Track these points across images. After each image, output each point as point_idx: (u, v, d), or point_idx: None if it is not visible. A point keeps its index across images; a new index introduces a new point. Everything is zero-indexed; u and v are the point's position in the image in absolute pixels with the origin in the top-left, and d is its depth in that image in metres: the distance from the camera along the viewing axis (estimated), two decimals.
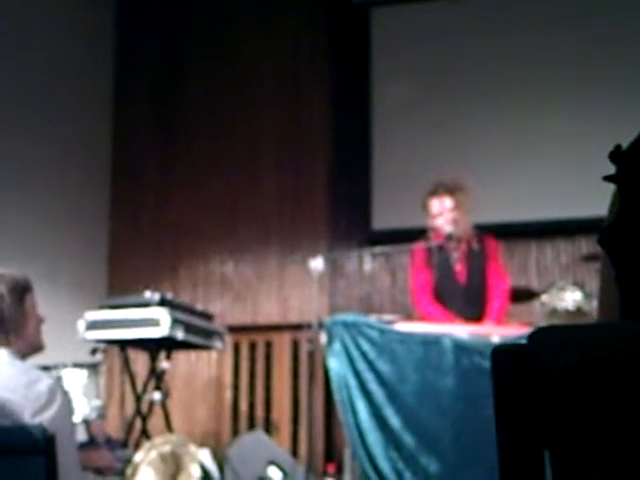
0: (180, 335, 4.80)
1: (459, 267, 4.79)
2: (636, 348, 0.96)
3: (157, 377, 5.07)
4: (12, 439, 2.01)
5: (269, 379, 6.30)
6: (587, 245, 5.79)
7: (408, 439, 4.24)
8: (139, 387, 5.11)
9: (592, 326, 1.05)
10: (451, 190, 4.71)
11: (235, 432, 6.20)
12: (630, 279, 1.11)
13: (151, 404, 5.07)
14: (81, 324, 4.85)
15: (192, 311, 5.12)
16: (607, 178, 1.14)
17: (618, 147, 1.14)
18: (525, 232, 6.10)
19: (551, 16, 6.23)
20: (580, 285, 5.03)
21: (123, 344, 5.05)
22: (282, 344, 6.31)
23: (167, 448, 4.34)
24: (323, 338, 4.47)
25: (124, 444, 4.78)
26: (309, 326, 4.60)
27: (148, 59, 6.95)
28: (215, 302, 6.37)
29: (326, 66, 6.58)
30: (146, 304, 4.81)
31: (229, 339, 5.75)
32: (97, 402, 4.49)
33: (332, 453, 5.80)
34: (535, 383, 0.98)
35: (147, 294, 4.90)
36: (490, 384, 1.03)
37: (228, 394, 6.37)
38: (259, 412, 6.25)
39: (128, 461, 4.27)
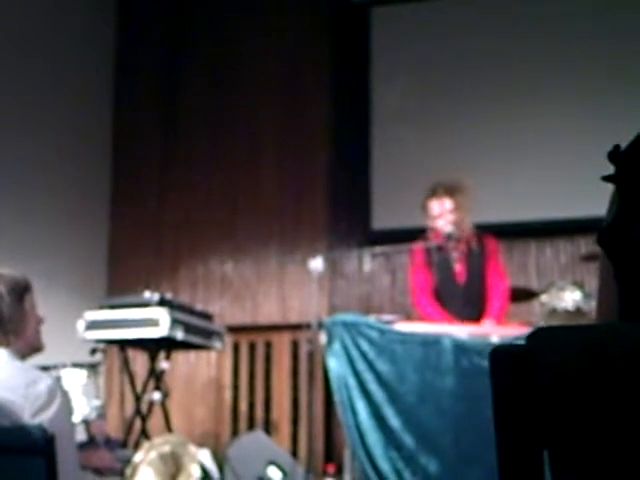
0: (180, 335, 4.80)
1: (459, 267, 4.78)
2: (635, 349, 0.96)
3: (157, 377, 5.07)
4: (12, 439, 2.01)
5: (269, 379, 6.30)
6: (586, 245, 5.79)
7: (408, 439, 4.24)
8: (139, 387, 5.11)
9: (591, 327, 1.05)
10: (450, 191, 4.70)
11: (235, 432, 6.20)
12: (629, 279, 1.11)
13: (151, 404, 5.07)
14: (81, 324, 4.85)
15: (192, 311, 5.12)
16: (606, 178, 1.14)
17: (617, 147, 1.14)
18: (525, 232, 6.10)
19: (551, 16, 6.23)
20: (579, 285, 5.03)
21: (123, 344, 5.05)
22: (282, 344, 6.31)
23: (167, 448, 4.34)
24: (323, 338, 4.47)
25: (124, 444, 4.78)
26: (309, 326, 4.60)
27: (149, 59, 6.95)
28: (215, 302, 6.37)
29: (326, 66, 6.58)
30: (146, 304, 4.81)
31: (229, 339, 5.75)
32: (97, 402, 4.49)
33: (332, 453, 5.80)
34: (533, 384, 0.98)
35: (147, 294, 4.90)
36: (489, 384, 1.03)
37: (228, 394, 6.37)
38: (259, 412, 6.25)
39: (128, 461, 4.27)
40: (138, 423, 4.99)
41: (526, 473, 0.99)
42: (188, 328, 4.90)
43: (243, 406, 6.30)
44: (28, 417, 2.23)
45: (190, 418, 6.29)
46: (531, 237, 6.15)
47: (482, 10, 6.43)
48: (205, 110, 6.73)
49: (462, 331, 4.40)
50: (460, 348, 4.28)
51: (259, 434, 5.51)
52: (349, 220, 6.47)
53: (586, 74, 6.08)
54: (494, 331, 4.41)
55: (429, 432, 4.23)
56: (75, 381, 4.41)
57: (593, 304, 4.84)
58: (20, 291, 2.49)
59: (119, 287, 6.44)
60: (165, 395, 5.07)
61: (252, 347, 6.38)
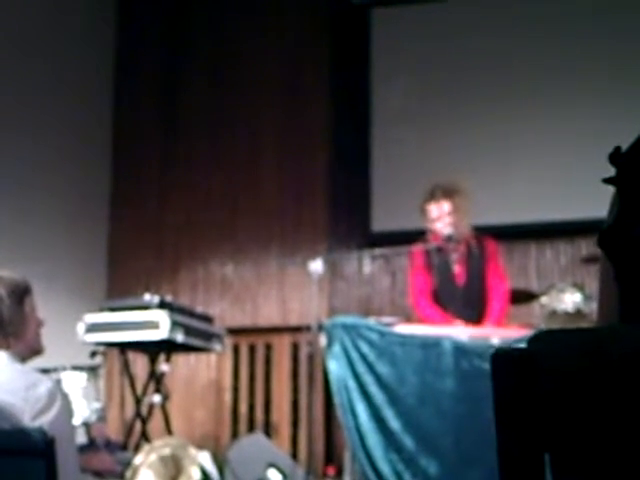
0: (180, 337, 4.80)
1: (458, 269, 4.78)
2: (636, 351, 0.96)
3: (157, 380, 5.07)
4: (12, 442, 2.01)
5: (269, 381, 6.29)
6: (587, 247, 5.79)
7: (408, 441, 4.24)
8: (139, 390, 5.10)
9: (591, 330, 1.05)
10: (449, 194, 4.69)
11: (235, 434, 6.19)
12: (629, 280, 1.11)
13: (151, 407, 5.07)
14: (81, 327, 4.85)
15: (192, 313, 5.12)
16: (607, 180, 1.14)
17: (617, 149, 1.14)
18: (525, 234, 6.10)
19: (551, 17, 6.23)
20: (580, 287, 5.03)
21: (123, 347, 5.05)
22: (282, 346, 6.31)
23: (167, 451, 4.34)
24: (323, 340, 4.47)
25: (124, 447, 4.78)
26: (309, 328, 4.59)
27: (149, 59, 6.95)
28: (215, 304, 6.37)
29: (326, 67, 6.58)
30: (146, 306, 4.81)
31: (229, 341, 5.74)
32: (97, 405, 4.49)
33: (332, 455, 5.80)
34: (535, 387, 0.98)
35: (147, 296, 4.90)
36: (490, 386, 1.03)
37: (228, 396, 6.36)
38: (259, 414, 6.25)
39: (128, 464, 4.27)
40: (138, 426, 4.99)
41: (527, 476, 0.99)
42: (188, 330, 4.89)
43: (243, 408, 6.30)
44: (28, 420, 2.22)
45: (190, 420, 6.28)
46: (531, 239, 6.14)
47: (482, 11, 6.43)
48: (205, 110, 6.72)
49: (462, 333, 4.40)
50: (460, 350, 4.27)
51: (259, 436, 5.50)
52: (349, 222, 6.46)
53: (586, 75, 6.08)
54: (494, 333, 4.40)
55: (429, 434, 4.23)
56: (75, 384, 4.41)
57: (593, 306, 4.84)
58: (20, 293, 2.49)
59: (119, 289, 6.44)
60: (165, 397, 5.06)
61: (252, 349, 6.38)
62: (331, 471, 5.01)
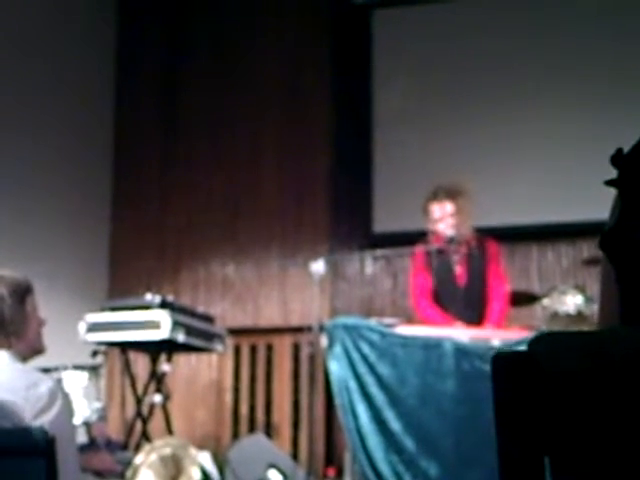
0: (181, 338, 4.80)
1: (459, 270, 4.78)
2: (637, 354, 0.96)
3: (158, 380, 5.07)
4: (13, 441, 2.01)
5: (270, 382, 6.29)
6: (588, 249, 5.79)
7: (408, 442, 4.24)
8: (140, 389, 5.10)
9: (592, 332, 1.05)
10: (452, 195, 4.69)
11: (235, 435, 6.19)
12: (630, 282, 1.10)
13: (152, 406, 5.07)
14: (82, 326, 4.85)
15: (193, 314, 5.12)
16: (608, 183, 1.14)
17: (619, 151, 1.14)
18: (526, 235, 6.09)
19: (553, 19, 6.23)
20: (581, 289, 5.03)
21: (124, 346, 5.05)
22: (283, 347, 6.31)
23: (167, 451, 4.34)
24: (324, 341, 4.47)
25: (124, 446, 4.78)
26: (310, 329, 4.59)
27: (149, 59, 6.95)
28: (216, 304, 6.37)
29: (328, 68, 6.58)
30: (147, 306, 4.81)
31: (230, 342, 5.74)
32: (98, 404, 4.49)
33: (332, 456, 5.80)
34: (535, 390, 0.98)
35: (148, 296, 4.90)
36: (490, 388, 1.03)
37: (229, 397, 6.36)
38: (259, 415, 6.25)
39: (128, 463, 4.27)
40: (139, 425, 4.99)
41: (527, 479, 0.99)
42: (189, 330, 4.89)
43: (244, 409, 6.30)
44: (29, 419, 2.23)
45: (191, 420, 6.28)
46: (533, 241, 6.14)
47: (484, 13, 6.43)
48: (206, 111, 6.73)
49: (463, 335, 4.40)
50: (461, 352, 4.27)
51: (260, 437, 5.50)
52: (350, 223, 6.46)
53: (588, 77, 6.07)
54: (495, 335, 4.40)
55: (430, 435, 4.23)
56: (76, 383, 4.41)
57: (595, 308, 4.84)
58: (21, 293, 2.49)
59: (120, 289, 6.44)
60: (166, 397, 5.06)
61: (253, 350, 6.38)
62: (331, 472, 5.01)
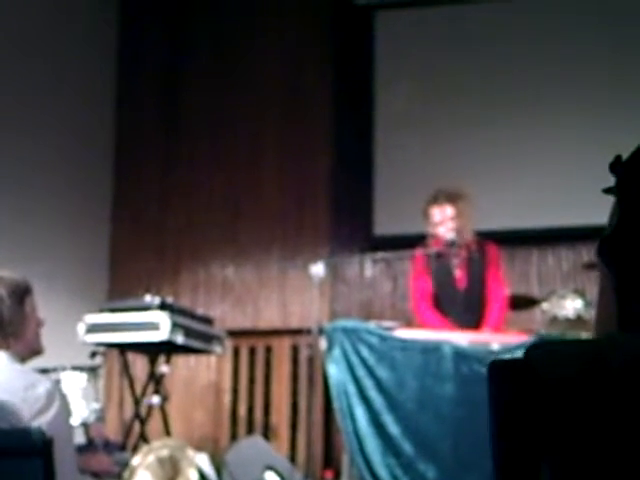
0: (180, 339, 4.80)
1: (459, 273, 4.78)
2: (634, 361, 0.95)
3: (156, 381, 5.07)
4: (10, 442, 2.01)
5: (268, 384, 6.29)
6: (588, 253, 5.78)
7: (406, 446, 4.23)
8: (138, 391, 5.10)
9: (589, 340, 1.04)
10: (452, 198, 4.70)
11: (233, 437, 6.19)
12: (629, 291, 1.10)
13: (150, 408, 5.07)
14: (81, 327, 4.85)
15: (192, 315, 5.12)
16: (607, 190, 1.14)
17: (618, 158, 1.13)
18: (526, 239, 6.09)
19: (553, 24, 6.23)
20: (581, 293, 5.03)
21: (123, 347, 5.05)
22: (282, 349, 6.30)
23: (165, 452, 4.33)
24: (323, 344, 4.47)
25: (122, 447, 4.78)
26: (309, 331, 4.59)
27: (151, 59, 6.95)
28: (215, 306, 6.36)
29: (329, 69, 6.58)
30: (146, 308, 4.81)
31: (229, 343, 5.74)
32: (96, 405, 4.49)
33: (330, 459, 5.79)
34: (532, 397, 0.98)
35: (147, 298, 4.90)
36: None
37: (227, 398, 6.36)
38: (258, 417, 6.24)
39: (126, 464, 4.26)
40: (137, 426, 4.99)
41: None
42: (188, 332, 4.89)
43: (242, 411, 6.30)
44: (27, 420, 2.22)
45: (189, 422, 6.28)
46: (533, 245, 6.14)
47: (485, 17, 6.43)
48: (207, 112, 6.72)
49: (462, 338, 4.40)
50: (460, 355, 4.27)
51: (258, 439, 5.50)
52: (351, 225, 6.46)
53: (588, 82, 6.08)
54: (494, 338, 4.40)
55: (428, 439, 4.23)
56: (75, 384, 4.41)
57: (594, 312, 4.83)
58: (20, 293, 2.49)
59: (120, 290, 6.43)
60: (164, 399, 5.06)
61: (252, 352, 6.38)
62: (329, 475, 5.01)
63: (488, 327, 4.61)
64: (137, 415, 5.00)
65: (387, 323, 4.66)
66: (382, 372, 4.32)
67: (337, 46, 6.63)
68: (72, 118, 6.35)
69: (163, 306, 4.81)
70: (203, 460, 4.46)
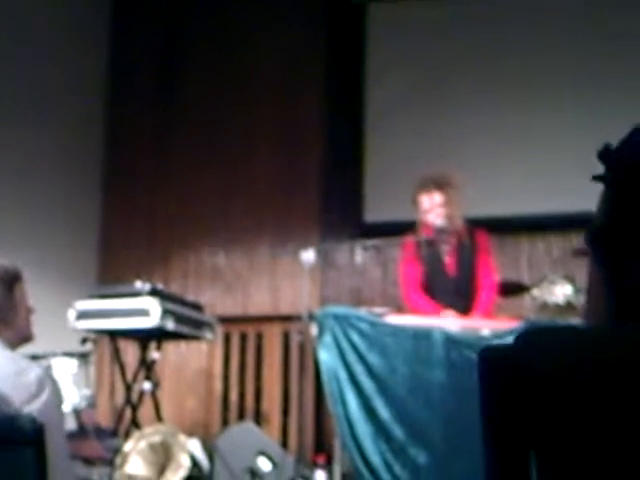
0: (170, 325, 4.80)
1: (448, 260, 4.79)
2: (624, 351, 0.96)
3: (147, 367, 5.07)
4: (1, 429, 2.01)
5: (259, 370, 6.30)
6: (578, 239, 5.79)
7: (397, 431, 4.25)
8: (129, 377, 5.11)
9: (580, 328, 1.05)
10: (440, 185, 4.70)
11: (225, 423, 6.21)
12: (618, 281, 1.11)
13: (141, 394, 5.07)
14: (71, 313, 4.85)
15: (183, 302, 5.12)
16: (596, 178, 1.14)
17: (607, 146, 1.14)
18: (516, 226, 6.10)
19: (546, 11, 6.23)
20: (571, 279, 5.04)
21: (113, 334, 5.05)
22: (273, 335, 6.31)
23: (157, 438, 4.35)
24: (314, 330, 4.47)
25: (114, 433, 4.79)
26: (300, 318, 4.60)
27: (144, 52, 6.92)
28: (206, 293, 6.36)
29: (321, 60, 6.57)
30: (136, 294, 4.81)
31: (220, 330, 5.75)
32: (87, 391, 4.50)
33: (322, 444, 5.81)
34: (522, 385, 0.98)
35: (138, 284, 4.90)
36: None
37: (218, 385, 6.37)
38: (249, 403, 6.26)
39: (117, 450, 4.28)
40: (128, 413, 5.00)
41: (512, 474, 1.00)
42: (179, 318, 4.90)
43: (233, 396, 6.31)
44: (17, 407, 2.22)
45: (180, 408, 6.29)
46: (523, 231, 6.15)
47: (477, 6, 6.42)
48: (199, 101, 6.71)
49: (453, 324, 4.41)
50: (451, 341, 4.29)
51: (249, 424, 5.52)
52: (341, 212, 6.46)
53: (580, 68, 6.08)
54: (485, 324, 4.42)
55: (419, 424, 4.25)
56: (66, 370, 4.42)
57: (583, 300, 4.85)
58: (10, 280, 2.49)
59: (110, 277, 6.43)
60: (155, 385, 5.07)
61: (243, 338, 6.38)
62: (321, 460, 5.02)
63: (478, 313, 4.62)
64: (128, 401, 5.01)
65: (378, 309, 4.67)
66: (373, 358, 4.34)
67: (330, 39, 6.62)
68: (64, 107, 6.33)
69: (153, 292, 4.81)
70: (195, 446, 4.48)
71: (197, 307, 5.26)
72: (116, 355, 5.10)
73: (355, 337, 4.38)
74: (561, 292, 4.95)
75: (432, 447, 4.21)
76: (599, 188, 1.19)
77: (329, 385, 4.40)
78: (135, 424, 4.89)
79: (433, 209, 4.70)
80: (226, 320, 6.02)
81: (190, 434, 4.82)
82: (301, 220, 6.36)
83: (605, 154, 1.12)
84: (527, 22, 6.25)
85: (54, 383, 2.39)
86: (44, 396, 2.28)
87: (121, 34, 6.95)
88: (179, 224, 6.57)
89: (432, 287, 4.76)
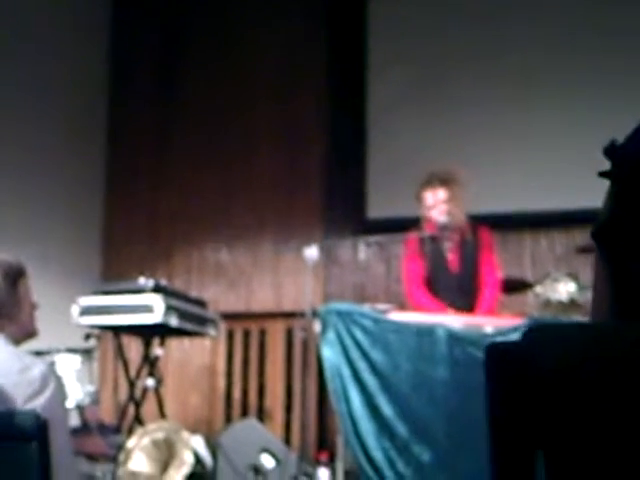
0: (174, 322, 4.80)
1: (451, 256, 4.79)
2: (630, 349, 0.96)
3: (150, 363, 5.08)
4: (4, 425, 2.01)
5: (262, 367, 6.30)
6: (582, 236, 5.78)
7: (401, 428, 4.25)
8: (132, 373, 5.11)
9: (586, 325, 1.04)
10: (445, 181, 4.70)
11: (228, 419, 6.21)
12: (624, 277, 1.10)
13: (144, 390, 5.07)
14: (75, 309, 4.85)
15: (186, 298, 5.12)
16: (602, 174, 1.14)
17: (613, 142, 1.13)
18: (519, 223, 6.09)
19: (548, 6, 6.22)
20: (574, 276, 5.03)
21: (117, 330, 5.05)
22: (276, 332, 6.31)
23: (160, 434, 4.35)
24: (317, 326, 4.47)
25: (117, 430, 4.79)
26: (303, 314, 4.60)
27: (145, 49, 6.92)
28: (209, 289, 6.37)
29: (323, 56, 6.56)
30: (140, 290, 4.81)
31: (223, 326, 5.75)
32: (90, 388, 4.50)
33: (325, 441, 5.81)
34: (529, 382, 0.98)
35: (141, 280, 4.90)
36: (483, 374, 1.03)
37: (221, 381, 6.37)
38: (252, 400, 6.26)
39: (121, 447, 4.28)
40: (132, 409, 5.00)
41: (519, 472, 0.99)
42: (182, 315, 4.89)
43: (237, 393, 6.31)
44: (21, 403, 2.22)
45: (183, 405, 6.30)
46: (526, 228, 6.14)
47: (478, 2, 6.41)
48: (201, 97, 6.71)
49: (456, 321, 4.41)
50: (454, 338, 4.28)
51: (252, 421, 5.52)
52: (344, 208, 6.46)
53: (583, 64, 6.07)
54: (488, 322, 4.41)
55: (422, 421, 4.24)
56: (69, 366, 4.42)
57: (587, 296, 4.85)
58: (14, 276, 2.48)
59: (114, 273, 6.43)
60: (159, 381, 5.07)
61: (246, 334, 6.38)
62: (324, 457, 5.02)
63: (481, 310, 4.62)
64: (132, 397, 5.01)
65: (381, 306, 4.67)
66: (376, 355, 4.33)
67: (331, 34, 6.61)
68: (67, 103, 6.33)
69: (157, 289, 4.81)
70: (198, 442, 4.48)
71: (201, 303, 5.26)
72: (119, 351, 5.11)
73: (358, 334, 4.38)
74: (564, 289, 4.94)
75: (435, 444, 4.21)
76: (602, 185, 1.18)
77: (332, 382, 4.40)
78: (138, 420, 4.89)
79: (437, 205, 4.70)
80: (229, 317, 6.02)
81: (193, 431, 4.82)
82: (304, 216, 6.36)
83: (611, 150, 1.12)
84: (528, 18, 6.24)
85: (58, 379, 2.39)
86: (48, 392, 2.28)
87: (121, 30, 6.95)
88: (182, 220, 6.57)
89: (435, 284, 4.75)
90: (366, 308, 4.57)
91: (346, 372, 4.36)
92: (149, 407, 5.14)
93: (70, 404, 4.29)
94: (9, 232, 5.43)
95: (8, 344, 2.41)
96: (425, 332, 4.32)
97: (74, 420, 4.36)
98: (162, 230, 6.62)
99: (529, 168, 6.00)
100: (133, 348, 5.67)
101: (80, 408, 4.43)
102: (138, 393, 5.05)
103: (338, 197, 6.45)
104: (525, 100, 6.12)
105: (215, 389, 6.37)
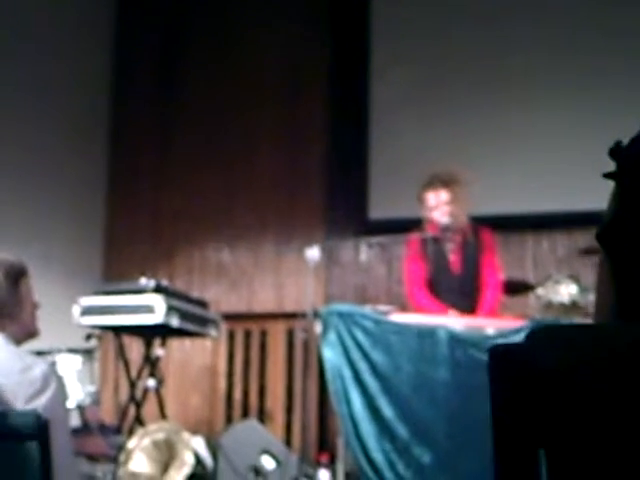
0: (175, 322, 4.80)
1: (453, 258, 4.78)
2: (632, 350, 0.95)
3: (151, 364, 5.07)
4: (5, 425, 2.01)
5: (263, 367, 6.30)
6: (584, 238, 5.77)
7: (402, 430, 4.25)
8: (133, 374, 5.11)
9: (589, 327, 1.04)
10: (447, 183, 4.69)
11: (229, 420, 6.20)
12: (628, 278, 1.10)
13: (145, 391, 5.07)
14: (76, 309, 4.85)
15: (187, 298, 5.12)
16: (607, 175, 1.13)
17: (618, 143, 1.13)
18: (521, 224, 6.09)
19: (551, 7, 6.21)
20: (576, 279, 5.03)
21: (118, 330, 5.05)
22: (277, 333, 6.31)
23: (161, 435, 4.35)
24: (318, 327, 4.47)
25: (118, 430, 4.79)
26: (304, 315, 4.59)
27: (147, 47, 6.92)
28: (211, 289, 6.37)
29: (324, 56, 6.56)
30: (141, 291, 4.81)
31: (224, 327, 5.75)
32: (91, 388, 4.50)
33: (325, 443, 5.81)
34: (532, 384, 0.98)
35: (142, 281, 4.90)
36: (484, 376, 1.03)
37: (222, 382, 6.37)
38: (253, 401, 6.26)
39: (121, 447, 4.28)
40: (132, 410, 5.00)
41: (522, 472, 0.99)
42: (184, 315, 4.89)
43: (237, 394, 6.31)
44: (22, 403, 2.22)
45: (184, 405, 6.29)
46: (528, 230, 6.14)
47: (481, 3, 6.41)
48: (203, 96, 6.71)
49: (457, 323, 4.40)
50: (455, 340, 4.28)
51: (253, 422, 5.51)
52: (346, 209, 6.46)
53: (586, 65, 6.06)
54: (490, 323, 4.41)
55: (423, 423, 4.24)
56: (70, 367, 4.42)
57: (589, 298, 4.84)
58: (15, 275, 2.48)
59: (115, 273, 6.43)
60: (160, 382, 5.07)
61: (247, 335, 6.38)
62: (324, 458, 5.02)
63: (483, 312, 4.61)
64: (132, 398, 5.01)
65: (382, 307, 4.66)
66: (377, 356, 4.33)
67: (333, 33, 6.61)
68: (69, 103, 6.33)
69: (158, 289, 4.81)
70: (199, 443, 4.47)
71: (202, 304, 5.26)
72: (120, 352, 5.10)
73: (359, 335, 4.38)
74: (566, 291, 4.93)
75: (436, 446, 4.21)
76: (604, 187, 1.18)
77: (333, 383, 4.40)
78: (139, 421, 4.89)
79: (439, 207, 4.70)
80: (230, 317, 6.02)
81: (194, 432, 4.82)
82: (305, 217, 6.36)
83: (616, 151, 1.12)
84: (531, 19, 6.23)
85: (59, 379, 2.39)
86: (49, 392, 2.28)
87: (122, 30, 6.95)
88: (183, 220, 6.57)
89: (436, 285, 4.75)
90: (367, 309, 4.56)
91: (347, 373, 4.35)
92: (150, 408, 5.14)
93: (71, 404, 4.28)
94: (11, 232, 5.43)
95: (9, 344, 2.41)
96: (426, 334, 4.31)
97: (75, 420, 4.36)
98: (163, 230, 6.62)
99: (531, 169, 5.99)
100: (134, 348, 5.66)
101: (81, 408, 4.42)
102: (139, 393, 5.04)
103: (340, 198, 6.44)
104: (527, 101, 6.12)
105: (216, 390, 6.37)
